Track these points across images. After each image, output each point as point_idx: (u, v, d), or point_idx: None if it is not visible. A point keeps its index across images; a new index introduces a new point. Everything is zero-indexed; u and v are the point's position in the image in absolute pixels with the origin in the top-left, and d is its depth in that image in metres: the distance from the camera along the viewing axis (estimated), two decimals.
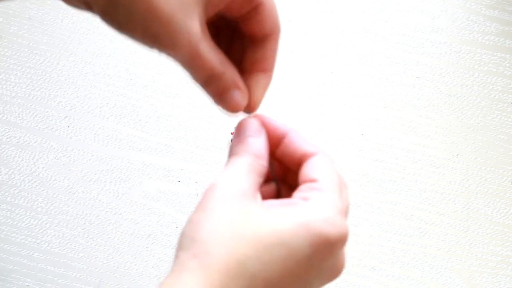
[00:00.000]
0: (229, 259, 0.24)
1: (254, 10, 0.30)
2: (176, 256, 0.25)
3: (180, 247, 0.25)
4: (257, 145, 0.30)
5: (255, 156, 0.29)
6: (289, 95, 0.57)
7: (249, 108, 0.31)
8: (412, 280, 0.51)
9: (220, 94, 0.30)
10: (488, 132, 0.56)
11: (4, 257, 0.50)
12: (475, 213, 0.53)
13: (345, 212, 0.29)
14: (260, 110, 0.34)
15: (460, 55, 0.59)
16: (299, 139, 0.31)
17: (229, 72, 0.30)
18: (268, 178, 0.32)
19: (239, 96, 0.30)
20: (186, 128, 0.55)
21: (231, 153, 0.30)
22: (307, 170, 0.29)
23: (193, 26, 0.27)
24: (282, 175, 0.33)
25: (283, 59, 0.58)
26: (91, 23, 0.59)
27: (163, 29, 0.26)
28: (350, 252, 0.36)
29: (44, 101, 0.56)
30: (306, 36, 0.59)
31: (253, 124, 0.30)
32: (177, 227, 0.52)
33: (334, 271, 0.28)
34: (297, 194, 0.28)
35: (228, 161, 0.29)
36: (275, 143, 0.31)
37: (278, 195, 0.31)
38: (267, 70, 0.32)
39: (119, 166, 0.54)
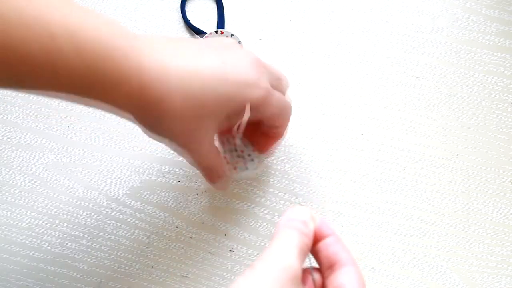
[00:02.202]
0: None
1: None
2: None
3: None
4: (309, 227, 0.32)
5: (305, 235, 0.31)
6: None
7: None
8: (412, 280, 0.51)
9: (210, 180, 0.41)
10: (488, 132, 0.56)
11: (3, 257, 0.50)
12: (475, 213, 0.53)
13: None
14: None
15: (460, 55, 0.59)
16: (339, 244, 0.33)
17: (222, 167, 0.40)
18: None
19: (224, 183, 0.42)
20: None
21: (283, 226, 0.32)
22: (343, 279, 0.31)
23: (203, 147, 0.37)
24: None
25: (283, 59, 0.58)
26: None
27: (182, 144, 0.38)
28: None
29: (44, 101, 0.56)
30: (306, 36, 0.59)
31: (307, 212, 0.33)
32: (176, 227, 0.52)
33: None
34: None
35: (280, 233, 0.31)
36: (316, 239, 0.33)
37: None
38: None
39: (119, 166, 0.54)
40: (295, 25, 0.60)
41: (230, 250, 0.52)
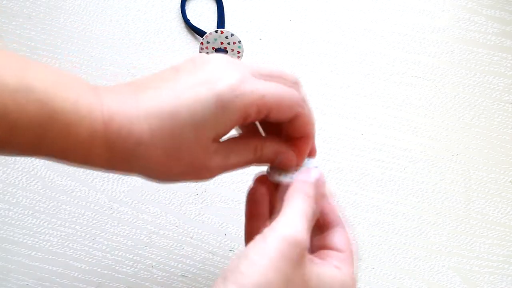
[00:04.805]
0: None
1: (294, 120, 0.34)
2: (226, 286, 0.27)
3: (230, 279, 0.26)
4: (321, 187, 0.32)
5: (314, 202, 0.31)
6: None
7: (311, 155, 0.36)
8: (412, 280, 0.51)
9: (271, 163, 0.35)
10: (488, 132, 0.56)
11: (3, 256, 0.50)
12: (475, 213, 0.53)
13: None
14: None
15: (459, 55, 0.59)
16: (330, 205, 0.35)
17: (266, 149, 0.34)
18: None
19: (286, 158, 0.34)
20: None
21: (295, 189, 0.31)
22: (336, 240, 0.33)
23: (212, 163, 0.32)
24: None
25: (283, 58, 0.58)
26: (91, 24, 0.59)
27: (191, 172, 0.33)
28: None
29: None
30: (306, 35, 0.59)
31: (319, 174, 0.33)
32: (176, 227, 0.52)
33: None
34: (330, 259, 0.32)
35: (289, 198, 0.31)
36: None
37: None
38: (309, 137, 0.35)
39: None
40: (295, 25, 0.60)
41: (230, 250, 0.52)
